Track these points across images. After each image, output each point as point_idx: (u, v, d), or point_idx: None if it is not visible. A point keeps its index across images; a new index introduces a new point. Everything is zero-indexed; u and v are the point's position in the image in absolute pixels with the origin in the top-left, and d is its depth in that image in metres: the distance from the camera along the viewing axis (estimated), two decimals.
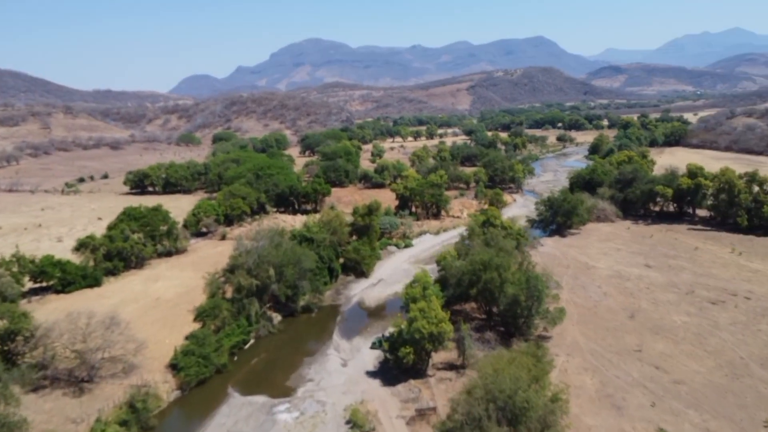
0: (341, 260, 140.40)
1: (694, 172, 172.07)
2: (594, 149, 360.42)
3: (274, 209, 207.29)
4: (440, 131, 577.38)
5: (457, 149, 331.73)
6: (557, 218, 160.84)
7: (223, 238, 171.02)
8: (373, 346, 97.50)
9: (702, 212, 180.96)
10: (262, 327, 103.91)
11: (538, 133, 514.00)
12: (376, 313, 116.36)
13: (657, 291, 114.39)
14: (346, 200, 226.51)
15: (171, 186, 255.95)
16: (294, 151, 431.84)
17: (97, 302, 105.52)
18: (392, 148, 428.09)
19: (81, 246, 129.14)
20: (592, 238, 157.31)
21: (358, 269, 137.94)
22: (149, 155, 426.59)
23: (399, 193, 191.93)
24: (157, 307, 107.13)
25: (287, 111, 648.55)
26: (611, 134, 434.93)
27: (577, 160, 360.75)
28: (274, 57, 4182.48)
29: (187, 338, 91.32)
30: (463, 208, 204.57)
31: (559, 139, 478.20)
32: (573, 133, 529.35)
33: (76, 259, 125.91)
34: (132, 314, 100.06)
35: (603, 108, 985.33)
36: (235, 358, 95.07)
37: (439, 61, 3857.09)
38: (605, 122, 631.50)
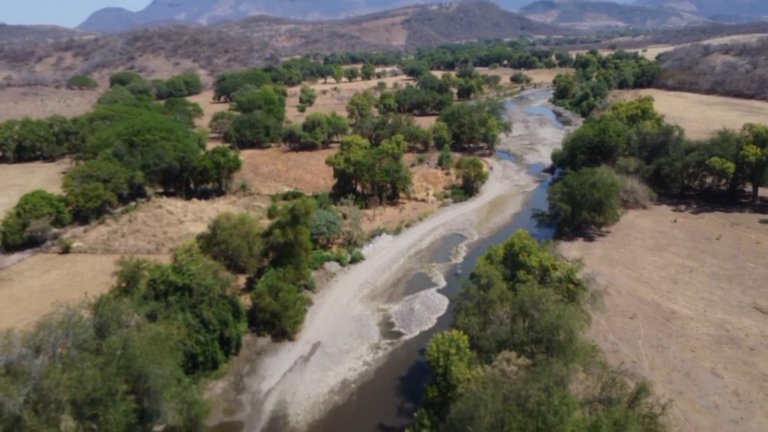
0: (247, 305, 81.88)
1: (764, 138, 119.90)
2: (562, 93, 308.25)
3: (160, 190, 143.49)
4: (377, 70, 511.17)
5: (404, 95, 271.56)
6: (582, 214, 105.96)
7: (67, 250, 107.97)
8: None
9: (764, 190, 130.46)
10: None
11: (485, 72, 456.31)
12: None
13: None
14: (265, 171, 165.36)
15: (26, 151, 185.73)
16: (208, 96, 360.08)
17: None
18: (324, 92, 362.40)
19: None
20: (634, 243, 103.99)
21: (277, 325, 79.52)
22: (27, 103, 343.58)
23: (339, 170, 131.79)
24: None
25: (201, 48, 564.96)
26: (566, 73, 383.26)
27: (543, 106, 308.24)
28: None
29: None
30: (428, 185, 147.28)
31: (514, 79, 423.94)
32: (525, 72, 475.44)
33: None
34: None
35: (543, 44, 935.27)
36: None
37: None
38: (554, 59, 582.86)
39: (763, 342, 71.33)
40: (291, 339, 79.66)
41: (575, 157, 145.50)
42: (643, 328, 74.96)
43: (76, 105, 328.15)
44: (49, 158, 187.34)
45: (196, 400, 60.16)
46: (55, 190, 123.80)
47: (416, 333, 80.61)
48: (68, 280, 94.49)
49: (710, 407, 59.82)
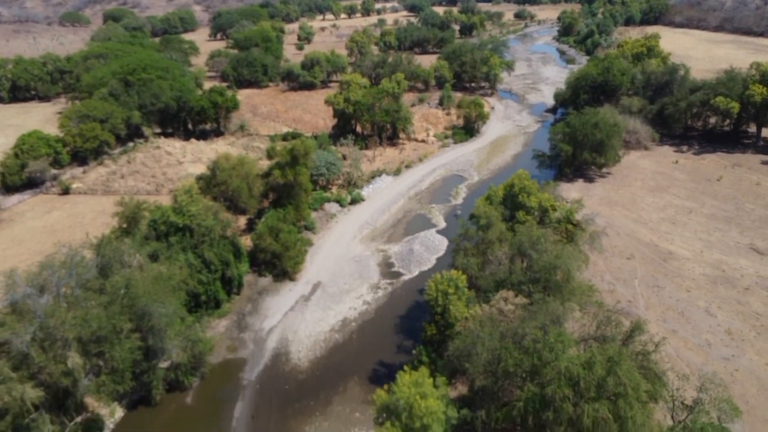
0: (248, 246, 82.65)
1: None
2: (567, 30, 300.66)
3: (158, 131, 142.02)
4: (377, 6, 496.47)
5: (404, 32, 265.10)
6: (583, 155, 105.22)
7: (66, 191, 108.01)
8: None
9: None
10: None
11: (488, 8, 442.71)
12: (316, 380, 61.21)
13: None
14: (264, 111, 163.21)
15: (21, 91, 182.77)
16: (204, 34, 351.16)
17: None
18: (323, 29, 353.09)
19: None
20: (635, 184, 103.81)
21: (278, 266, 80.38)
22: (19, 41, 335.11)
23: (338, 110, 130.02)
24: None
25: None
26: (572, 9, 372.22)
27: (547, 44, 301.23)
28: None
29: None
30: (428, 125, 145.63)
31: (518, 16, 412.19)
32: (530, 8, 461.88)
33: None
34: None
35: None
36: None
37: None
38: None
39: (758, 282, 72.23)
40: (292, 279, 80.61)
41: (578, 96, 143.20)
42: (640, 269, 75.77)
43: (69, 43, 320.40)
44: (44, 98, 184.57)
45: (200, 337, 61.70)
46: (52, 130, 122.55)
47: (415, 273, 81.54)
48: (69, 220, 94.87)
49: (703, 345, 61.15)
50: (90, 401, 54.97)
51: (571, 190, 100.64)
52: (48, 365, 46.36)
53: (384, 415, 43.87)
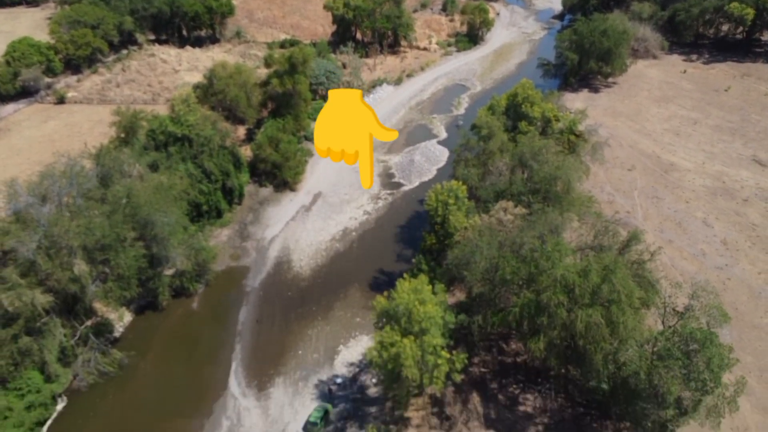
0: (247, 157, 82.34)
1: None
2: None
3: (152, 38, 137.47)
4: None
5: None
6: (589, 63, 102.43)
7: (62, 100, 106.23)
8: (311, 428, 46.46)
9: None
10: (81, 369, 49.51)
11: None
12: (318, 288, 62.91)
13: None
14: (260, 17, 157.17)
15: None
16: None
17: None
18: None
19: None
20: (641, 95, 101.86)
21: (278, 176, 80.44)
22: None
23: (338, 16, 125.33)
24: None
25: None
26: None
27: None
28: None
29: None
30: (431, 32, 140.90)
31: None
32: None
33: None
34: None
35: None
36: None
37: None
38: None
39: (758, 194, 72.43)
40: (292, 189, 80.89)
41: (587, 2, 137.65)
42: (641, 180, 75.77)
43: None
44: (32, 2, 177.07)
45: (203, 246, 62.81)
46: (43, 37, 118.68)
47: (416, 184, 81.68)
48: (67, 130, 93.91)
49: (697, 254, 62.22)
50: (99, 306, 56.69)
51: (576, 100, 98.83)
52: (55, 272, 47.44)
53: (384, 319, 45.34)
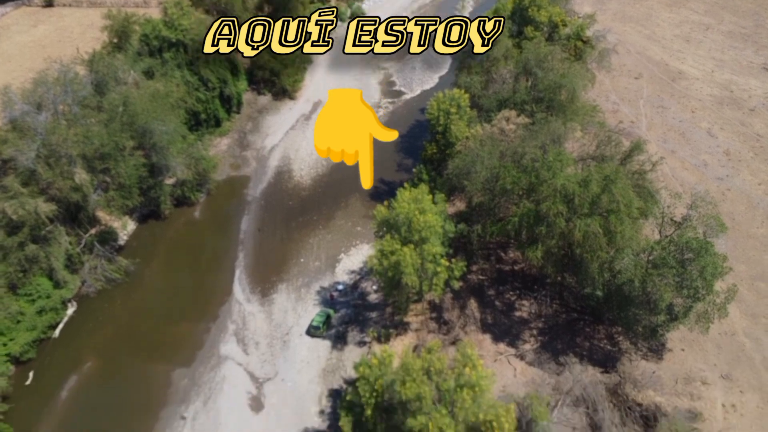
0: (245, 64, 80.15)
1: None
2: None
3: None
4: None
5: None
6: None
7: (50, 3, 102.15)
8: (314, 332, 48.40)
9: None
10: (89, 275, 50.90)
11: None
12: (318, 197, 63.36)
13: None
14: None
15: None
16: None
17: None
18: None
19: None
20: None
21: (277, 84, 78.80)
22: None
23: None
24: None
25: None
26: None
27: None
28: None
29: None
30: None
31: None
32: None
33: None
34: None
35: None
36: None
37: None
38: None
39: (765, 103, 71.14)
40: (292, 98, 79.47)
41: None
42: (647, 88, 74.19)
43: None
44: None
45: (203, 155, 62.59)
46: None
47: (417, 92, 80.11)
48: (57, 35, 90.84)
49: (699, 165, 62.01)
50: (102, 215, 57.27)
51: (584, 4, 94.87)
52: (56, 181, 47.56)
53: (384, 228, 45.83)
